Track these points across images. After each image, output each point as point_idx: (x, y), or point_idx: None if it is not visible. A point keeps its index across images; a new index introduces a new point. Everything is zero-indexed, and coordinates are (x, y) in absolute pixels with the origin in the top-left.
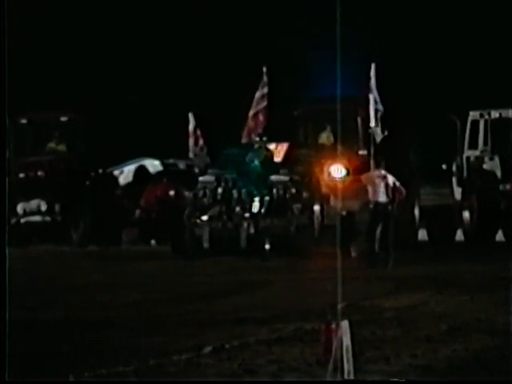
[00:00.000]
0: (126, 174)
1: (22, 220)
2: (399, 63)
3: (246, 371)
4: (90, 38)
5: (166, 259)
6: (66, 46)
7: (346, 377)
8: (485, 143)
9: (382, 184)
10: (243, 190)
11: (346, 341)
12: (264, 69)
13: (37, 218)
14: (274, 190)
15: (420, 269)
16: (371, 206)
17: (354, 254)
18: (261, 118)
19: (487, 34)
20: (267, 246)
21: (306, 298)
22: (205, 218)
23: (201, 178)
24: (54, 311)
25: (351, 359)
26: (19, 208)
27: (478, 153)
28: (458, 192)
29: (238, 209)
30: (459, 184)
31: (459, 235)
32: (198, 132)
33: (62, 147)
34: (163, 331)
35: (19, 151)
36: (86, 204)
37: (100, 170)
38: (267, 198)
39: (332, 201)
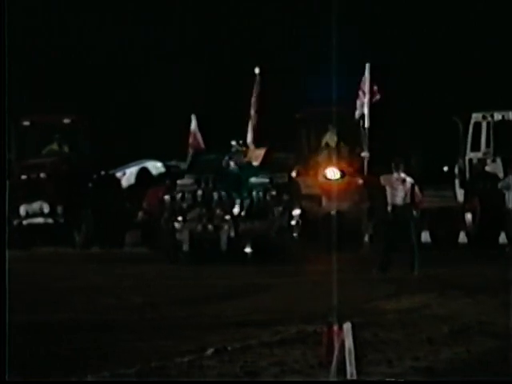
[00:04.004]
0: (128, 175)
1: (25, 222)
2: (402, 65)
3: (248, 373)
4: (93, 40)
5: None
6: (69, 49)
7: (348, 378)
8: (487, 145)
9: (400, 187)
10: (223, 193)
11: (349, 343)
12: (256, 70)
13: (39, 220)
14: (254, 193)
15: (422, 271)
16: (389, 208)
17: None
18: (256, 119)
19: (490, 36)
20: (248, 250)
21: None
22: (180, 219)
23: (179, 181)
24: (56, 314)
25: (354, 361)
26: (22, 210)
27: (480, 155)
28: (460, 194)
29: (218, 211)
30: (462, 186)
31: (462, 237)
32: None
33: (64, 149)
34: (166, 334)
35: (22, 153)
36: (88, 206)
37: (102, 172)
38: (247, 200)
39: (324, 202)
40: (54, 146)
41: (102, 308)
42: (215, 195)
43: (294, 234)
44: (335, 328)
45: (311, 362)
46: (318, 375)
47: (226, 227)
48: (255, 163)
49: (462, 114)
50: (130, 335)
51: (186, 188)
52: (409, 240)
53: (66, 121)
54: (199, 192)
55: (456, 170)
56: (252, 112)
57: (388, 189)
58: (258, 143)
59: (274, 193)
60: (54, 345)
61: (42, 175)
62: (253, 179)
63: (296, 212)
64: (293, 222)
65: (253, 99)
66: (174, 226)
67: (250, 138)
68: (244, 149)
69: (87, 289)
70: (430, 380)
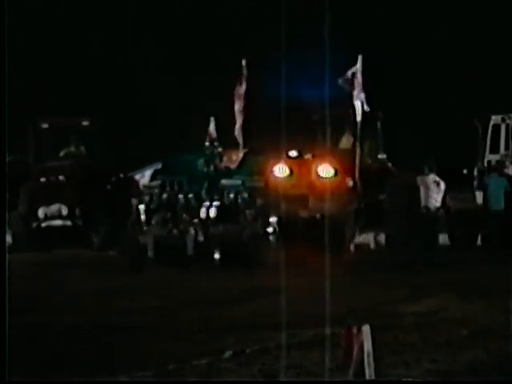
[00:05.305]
0: (147, 178)
1: (44, 224)
2: (421, 66)
3: (266, 376)
4: (109, 42)
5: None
6: (84, 51)
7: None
8: (506, 147)
9: (435, 189)
10: (190, 195)
11: (368, 345)
12: (243, 62)
13: (58, 223)
14: (225, 196)
15: (441, 273)
16: (423, 210)
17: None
18: (243, 116)
19: (503, 39)
20: (216, 255)
21: None
22: (145, 222)
23: (147, 184)
24: (72, 316)
25: (372, 364)
26: (40, 212)
27: (499, 157)
28: (479, 196)
29: (184, 215)
30: (480, 188)
31: (481, 239)
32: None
33: (82, 152)
34: (185, 336)
35: (40, 156)
36: (106, 208)
37: (121, 175)
38: (217, 203)
39: (311, 203)
40: (72, 149)
41: (118, 311)
42: (181, 199)
43: (271, 238)
44: (354, 330)
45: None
46: (336, 378)
47: (192, 232)
48: (232, 166)
49: (482, 117)
50: (146, 338)
51: (154, 191)
52: (432, 240)
53: (85, 123)
54: (164, 195)
55: (475, 172)
56: (238, 109)
57: (422, 189)
58: (245, 143)
59: (245, 196)
60: (68, 348)
61: (61, 178)
62: (224, 181)
63: (273, 219)
64: (269, 229)
65: (238, 95)
66: (139, 230)
67: (238, 138)
68: (220, 150)
69: (102, 292)
70: (448, 380)
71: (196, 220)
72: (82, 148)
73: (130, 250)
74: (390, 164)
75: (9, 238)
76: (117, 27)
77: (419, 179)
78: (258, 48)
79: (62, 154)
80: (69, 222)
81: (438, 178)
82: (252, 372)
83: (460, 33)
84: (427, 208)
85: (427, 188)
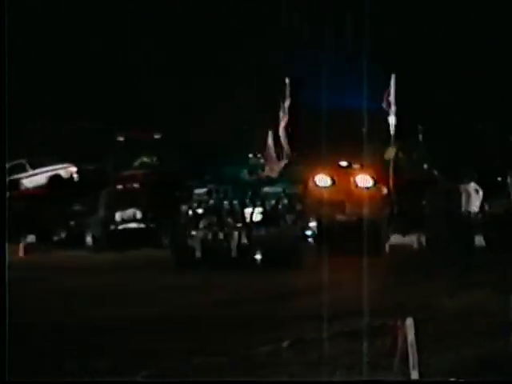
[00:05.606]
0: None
1: (120, 227)
2: (453, 79)
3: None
4: (109, 42)
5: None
6: (84, 51)
7: (410, 368)
8: None
9: (475, 196)
10: (235, 201)
11: (411, 336)
12: (287, 80)
13: (133, 225)
14: (267, 202)
15: (477, 273)
16: (464, 215)
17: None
18: (288, 132)
19: None
20: (258, 256)
21: None
22: (193, 226)
23: (195, 191)
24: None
25: (416, 353)
26: (117, 216)
27: None
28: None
29: (229, 219)
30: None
31: None
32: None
33: (154, 162)
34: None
35: (118, 165)
36: (171, 212)
37: (189, 182)
38: (260, 208)
39: (348, 208)
40: (145, 159)
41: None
42: (227, 205)
43: (309, 240)
44: (399, 323)
45: (379, 353)
46: (384, 364)
47: (235, 235)
48: (273, 175)
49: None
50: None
51: (202, 198)
52: (470, 242)
53: (157, 136)
54: (211, 202)
55: (508, 180)
56: (282, 125)
57: (464, 196)
58: (288, 154)
59: (286, 202)
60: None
61: (136, 185)
62: (266, 189)
63: (312, 224)
64: (308, 232)
65: (283, 110)
66: (187, 233)
67: (282, 149)
68: (262, 161)
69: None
70: (455, 380)
71: (240, 224)
72: (154, 158)
73: (178, 250)
74: (432, 173)
75: (89, 239)
76: (117, 27)
77: (461, 187)
78: (259, 48)
79: (136, 163)
80: (142, 225)
81: (477, 186)
82: (309, 359)
83: (482, 42)
84: (468, 213)
85: (468, 195)
